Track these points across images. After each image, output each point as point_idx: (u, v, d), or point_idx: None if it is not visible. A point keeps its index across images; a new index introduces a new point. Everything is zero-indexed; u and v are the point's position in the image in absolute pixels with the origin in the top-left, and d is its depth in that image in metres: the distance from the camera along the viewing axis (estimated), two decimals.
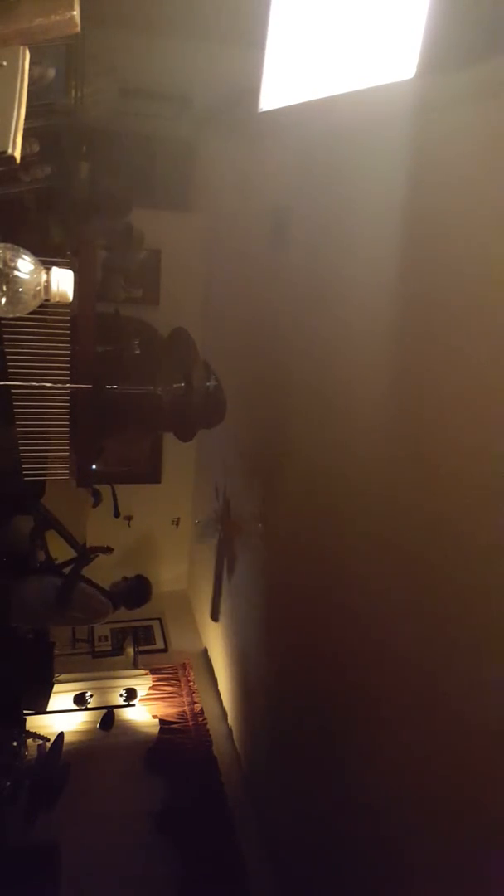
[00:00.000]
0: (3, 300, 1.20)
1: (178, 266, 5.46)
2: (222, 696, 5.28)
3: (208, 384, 3.60)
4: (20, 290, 1.21)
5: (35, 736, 4.22)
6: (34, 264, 1.24)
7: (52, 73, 3.21)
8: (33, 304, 1.25)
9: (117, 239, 4.73)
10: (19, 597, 3.69)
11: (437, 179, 2.16)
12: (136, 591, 4.02)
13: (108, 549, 3.96)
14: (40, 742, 4.21)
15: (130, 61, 3.86)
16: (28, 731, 4.17)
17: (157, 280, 5.46)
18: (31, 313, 1.28)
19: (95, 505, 5.07)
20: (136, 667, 5.38)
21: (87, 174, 4.32)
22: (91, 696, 5.06)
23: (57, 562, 4.00)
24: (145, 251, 5.35)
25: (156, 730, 4.86)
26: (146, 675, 5.40)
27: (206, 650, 5.86)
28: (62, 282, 1.25)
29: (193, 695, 5.20)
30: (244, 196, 4.47)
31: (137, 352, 3.62)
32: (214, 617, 5.24)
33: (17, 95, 1.43)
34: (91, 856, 3.78)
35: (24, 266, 1.22)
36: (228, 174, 4.86)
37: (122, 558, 6.35)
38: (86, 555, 3.80)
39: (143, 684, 5.29)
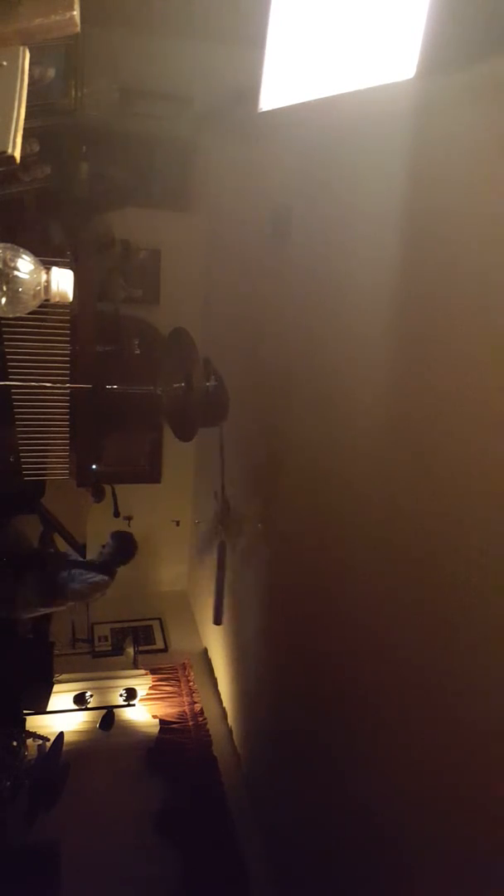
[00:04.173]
0: (3, 300, 1.21)
1: (178, 266, 5.46)
2: (222, 696, 5.28)
3: (208, 384, 3.61)
4: (20, 290, 1.22)
5: (35, 736, 4.22)
6: (34, 264, 1.24)
7: (52, 73, 3.23)
8: (33, 304, 1.26)
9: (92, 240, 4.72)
10: (18, 592, 3.71)
11: (436, 179, 2.16)
12: (121, 548, 4.06)
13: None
14: (40, 742, 4.21)
15: (130, 61, 3.87)
16: (28, 731, 4.17)
17: (157, 280, 5.46)
18: (31, 313, 1.28)
19: (97, 501, 5.08)
20: (136, 667, 5.38)
21: (87, 174, 4.32)
22: (91, 696, 5.06)
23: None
24: (144, 251, 5.35)
25: (156, 730, 4.85)
26: (146, 675, 5.39)
27: (206, 650, 5.86)
28: (62, 282, 1.25)
29: (193, 695, 5.20)
30: (244, 196, 4.46)
31: (137, 352, 3.62)
32: (217, 621, 5.22)
33: (17, 95, 1.44)
34: (91, 856, 3.78)
35: (24, 266, 1.22)
36: (228, 174, 4.86)
37: None
38: (52, 528, 3.90)
39: (143, 684, 5.29)
